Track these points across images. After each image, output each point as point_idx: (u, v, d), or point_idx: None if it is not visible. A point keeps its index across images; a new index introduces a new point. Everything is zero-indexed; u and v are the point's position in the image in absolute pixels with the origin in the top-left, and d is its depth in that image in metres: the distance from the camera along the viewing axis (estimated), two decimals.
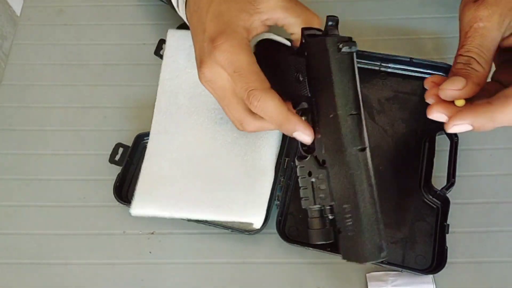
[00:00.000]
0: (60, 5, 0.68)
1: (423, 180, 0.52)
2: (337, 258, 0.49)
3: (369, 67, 0.59)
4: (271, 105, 0.43)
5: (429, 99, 0.44)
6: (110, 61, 0.63)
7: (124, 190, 0.54)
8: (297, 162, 0.44)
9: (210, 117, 0.54)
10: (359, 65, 0.60)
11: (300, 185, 0.44)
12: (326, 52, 0.41)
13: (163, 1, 0.59)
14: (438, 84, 0.44)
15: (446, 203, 0.50)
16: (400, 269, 0.48)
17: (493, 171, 0.54)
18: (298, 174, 0.44)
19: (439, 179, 0.52)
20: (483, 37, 0.43)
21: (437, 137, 0.54)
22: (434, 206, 0.51)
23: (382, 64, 0.59)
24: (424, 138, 0.55)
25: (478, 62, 0.43)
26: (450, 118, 0.42)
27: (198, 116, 0.54)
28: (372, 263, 0.49)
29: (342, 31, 0.65)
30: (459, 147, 0.53)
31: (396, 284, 0.47)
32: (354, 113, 0.41)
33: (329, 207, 0.42)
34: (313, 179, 0.43)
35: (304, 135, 0.43)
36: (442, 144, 0.54)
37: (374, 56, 0.59)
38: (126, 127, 0.58)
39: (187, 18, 0.50)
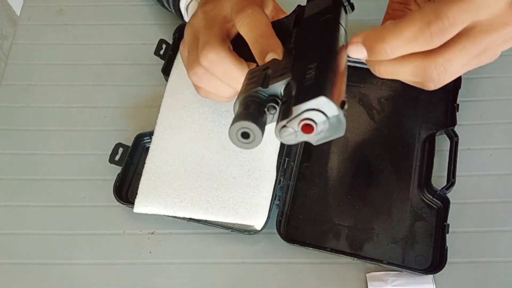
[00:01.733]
0: (60, 5, 0.68)
1: (423, 180, 0.52)
2: (337, 258, 0.49)
3: None
4: (261, 17, 0.41)
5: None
6: (110, 61, 0.63)
7: (124, 190, 0.54)
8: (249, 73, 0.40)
9: (216, 111, 0.53)
10: (359, 65, 0.60)
11: (248, 82, 0.38)
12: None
13: (167, 8, 0.60)
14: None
15: (446, 203, 0.50)
16: (400, 269, 0.48)
17: (493, 171, 0.54)
18: (249, 78, 0.38)
19: (439, 179, 0.52)
20: None
21: (437, 137, 0.54)
22: (434, 206, 0.51)
23: None
24: (424, 138, 0.55)
25: (415, 0, 0.38)
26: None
27: (204, 110, 0.54)
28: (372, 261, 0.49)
29: None
30: (459, 147, 0.53)
31: (396, 284, 0.47)
32: None
33: (273, 98, 0.36)
34: (269, 70, 0.37)
35: (275, 55, 0.40)
36: (442, 144, 0.54)
37: None
38: (126, 127, 0.58)
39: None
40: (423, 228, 0.50)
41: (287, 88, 0.35)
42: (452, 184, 0.51)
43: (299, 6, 0.46)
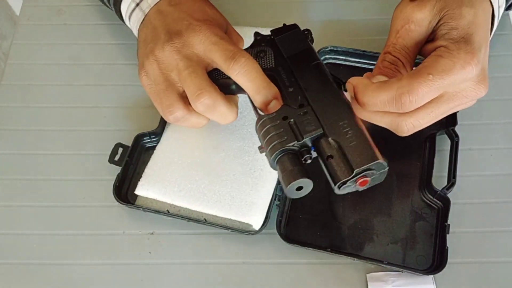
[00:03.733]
0: (60, 4, 0.68)
1: (424, 180, 0.52)
2: (337, 258, 0.49)
3: (369, 67, 0.59)
4: (256, 66, 0.44)
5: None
6: (110, 61, 0.63)
7: (123, 190, 0.54)
8: (262, 119, 0.44)
9: None
10: (359, 65, 0.60)
11: (269, 133, 0.43)
12: (302, 33, 0.50)
13: (107, 5, 0.60)
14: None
15: (446, 203, 0.50)
16: (400, 269, 0.48)
17: (493, 171, 0.54)
18: (266, 125, 0.43)
19: (439, 179, 0.52)
20: (412, 40, 0.45)
21: (437, 137, 0.54)
22: (435, 206, 0.51)
23: None
24: (424, 138, 0.55)
25: (403, 64, 0.45)
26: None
27: None
28: (372, 263, 0.49)
29: (342, 31, 0.65)
30: (459, 147, 0.53)
31: (397, 285, 0.47)
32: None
33: (305, 149, 0.43)
34: (291, 120, 0.43)
35: (278, 103, 0.44)
36: (442, 144, 0.54)
37: (374, 56, 0.59)
38: (126, 127, 0.58)
39: (149, 14, 0.51)
40: (423, 228, 0.50)
41: (318, 140, 0.42)
42: (453, 184, 0.51)
43: (257, 34, 0.51)
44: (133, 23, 0.53)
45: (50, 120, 0.59)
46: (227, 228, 0.50)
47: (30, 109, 0.60)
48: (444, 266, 0.47)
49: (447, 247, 0.48)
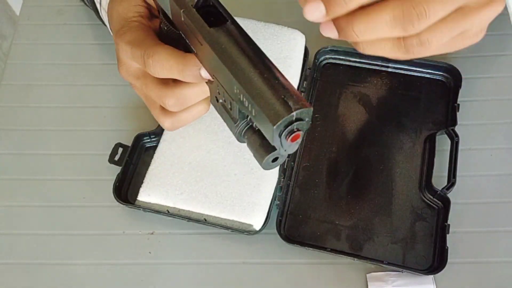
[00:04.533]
0: (60, 4, 0.68)
1: (424, 180, 0.52)
2: (337, 258, 0.49)
3: (370, 66, 0.59)
4: (164, 54, 0.41)
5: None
6: (110, 61, 0.63)
7: (123, 190, 0.54)
8: (212, 102, 0.41)
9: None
10: (359, 65, 0.60)
11: (221, 118, 0.39)
12: None
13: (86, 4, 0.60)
14: None
15: (446, 203, 0.50)
16: (400, 269, 0.48)
17: (493, 171, 0.54)
18: (216, 109, 0.40)
19: (439, 179, 0.52)
20: None
21: (437, 137, 0.54)
22: (435, 206, 0.51)
23: (383, 63, 0.59)
24: (424, 138, 0.55)
25: None
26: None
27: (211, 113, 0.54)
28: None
29: None
30: (459, 147, 0.53)
31: (397, 285, 0.47)
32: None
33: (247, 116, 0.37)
34: (220, 100, 0.38)
35: (204, 70, 0.40)
36: (442, 144, 0.54)
37: (374, 56, 0.58)
38: (125, 127, 0.58)
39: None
40: (423, 228, 0.50)
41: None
42: (453, 184, 0.51)
43: None
44: (103, 11, 0.52)
45: (50, 120, 0.59)
46: (227, 228, 0.50)
47: (30, 109, 0.60)
48: (444, 266, 0.47)
49: (447, 247, 0.48)
